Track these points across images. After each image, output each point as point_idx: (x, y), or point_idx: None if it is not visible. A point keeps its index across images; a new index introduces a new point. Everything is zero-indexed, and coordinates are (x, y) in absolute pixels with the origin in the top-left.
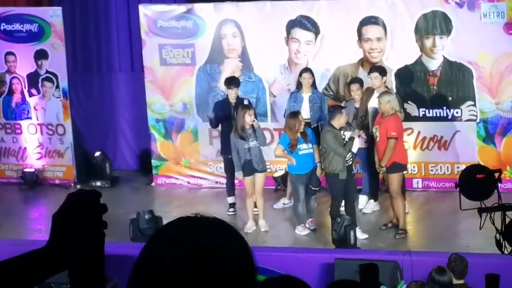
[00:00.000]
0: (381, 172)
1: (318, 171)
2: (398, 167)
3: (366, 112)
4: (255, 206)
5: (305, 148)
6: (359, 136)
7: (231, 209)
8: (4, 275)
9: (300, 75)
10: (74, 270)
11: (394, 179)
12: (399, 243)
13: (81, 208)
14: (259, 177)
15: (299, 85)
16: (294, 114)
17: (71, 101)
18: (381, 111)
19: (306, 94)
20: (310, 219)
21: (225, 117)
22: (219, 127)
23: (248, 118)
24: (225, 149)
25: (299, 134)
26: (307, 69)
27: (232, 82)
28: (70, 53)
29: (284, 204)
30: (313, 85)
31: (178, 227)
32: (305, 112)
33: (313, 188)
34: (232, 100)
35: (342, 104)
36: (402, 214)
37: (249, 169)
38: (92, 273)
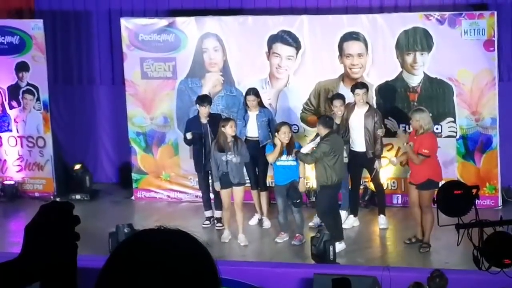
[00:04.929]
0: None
1: (301, 186)
2: (433, 184)
3: (347, 128)
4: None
5: (283, 159)
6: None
7: (206, 222)
8: None
9: (245, 96)
10: (46, 282)
11: (426, 195)
12: (378, 259)
13: (54, 219)
14: (237, 191)
15: (246, 105)
16: (281, 124)
17: (51, 113)
18: (413, 128)
19: (253, 113)
20: (296, 235)
21: (197, 135)
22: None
23: (230, 130)
24: (198, 166)
25: (284, 145)
26: (250, 91)
27: (205, 99)
28: (51, 66)
29: (259, 219)
30: (261, 105)
31: (141, 238)
32: (253, 131)
33: (293, 201)
34: (204, 118)
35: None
36: (430, 229)
37: (226, 182)
38: (64, 285)
